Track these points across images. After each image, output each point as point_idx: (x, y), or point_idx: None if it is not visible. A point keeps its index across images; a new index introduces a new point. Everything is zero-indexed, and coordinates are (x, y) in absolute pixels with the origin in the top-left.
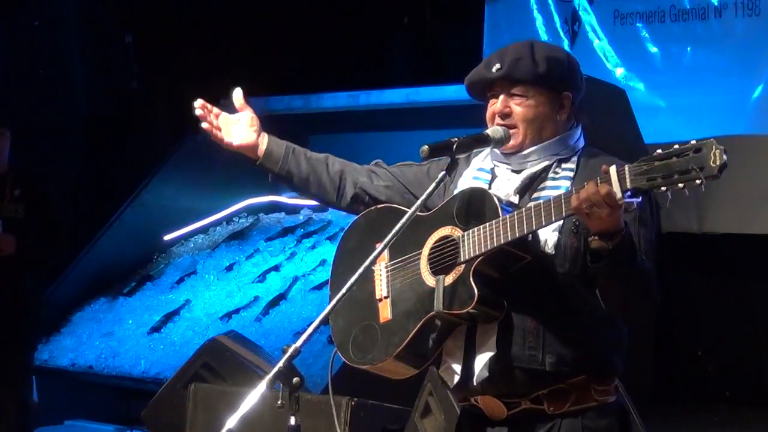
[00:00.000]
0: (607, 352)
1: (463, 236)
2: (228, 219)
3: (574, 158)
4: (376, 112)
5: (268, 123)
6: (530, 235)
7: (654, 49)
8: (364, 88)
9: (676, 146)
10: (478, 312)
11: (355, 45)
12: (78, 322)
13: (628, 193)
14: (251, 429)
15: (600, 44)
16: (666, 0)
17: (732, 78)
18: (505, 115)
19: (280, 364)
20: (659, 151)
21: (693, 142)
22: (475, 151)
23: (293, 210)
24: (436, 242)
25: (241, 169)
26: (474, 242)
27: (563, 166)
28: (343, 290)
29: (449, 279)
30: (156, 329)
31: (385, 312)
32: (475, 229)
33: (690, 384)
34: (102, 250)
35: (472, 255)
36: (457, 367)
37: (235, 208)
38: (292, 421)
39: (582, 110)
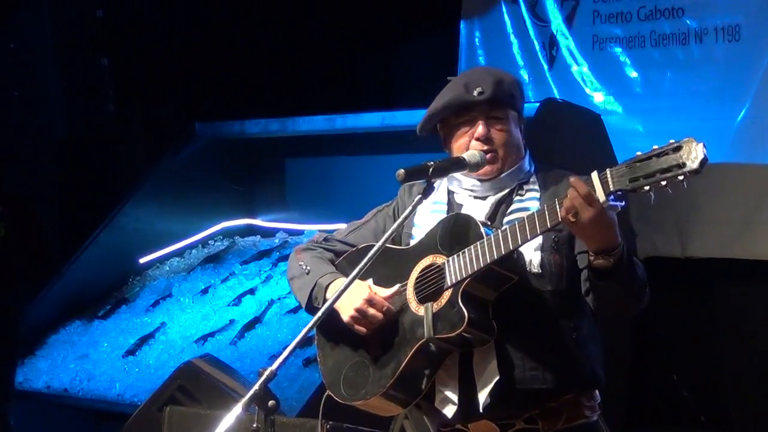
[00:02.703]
0: (594, 365)
1: (448, 261)
2: (203, 242)
3: (533, 178)
4: (352, 135)
5: (245, 146)
6: (516, 254)
7: (633, 74)
8: (341, 112)
9: (655, 147)
10: (468, 335)
11: (331, 68)
12: (53, 345)
13: (611, 196)
14: None
15: (578, 69)
16: (645, 25)
17: (712, 104)
18: (488, 139)
19: (256, 387)
20: (639, 153)
21: (671, 141)
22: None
23: (269, 233)
24: (420, 272)
25: (217, 193)
26: (460, 265)
27: (525, 187)
28: (314, 319)
29: (437, 305)
30: (131, 352)
31: (376, 347)
32: (460, 252)
33: (665, 408)
34: (77, 272)
35: (459, 278)
36: (454, 396)
37: (211, 231)
38: None
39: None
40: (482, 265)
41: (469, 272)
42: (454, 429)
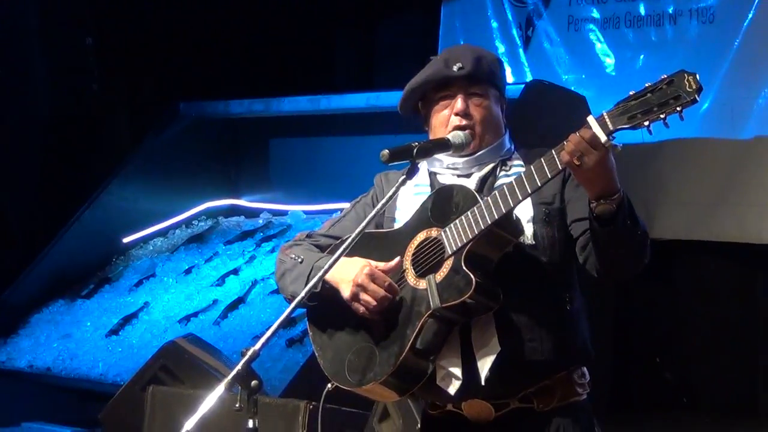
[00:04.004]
0: (585, 338)
1: (444, 230)
2: (187, 222)
3: (515, 155)
4: (336, 116)
5: (229, 126)
6: (514, 216)
7: (607, 56)
8: (325, 92)
9: (648, 84)
10: (475, 302)
11: (314, 49)
12: (36, 324)
13: (613, 136)
14: None
15: (552, 50)
16: (621, 6)
17: None
18: (467, 114)
19: (239, 366)
20: (632, 92)
21: (663, 76)
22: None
23: (252, 213)
24: (416, 248)
25: (201, 172)
26: (459, 232)
27: (509, 163)
28: (295, 302)
29: (440, 275)
30: (114, 332)
31: (378, 329)
32: (457, 220)
33: (648, 391)
34: (60, 251)
35: (460, 244)
36: (458, 371)
37: (195, 211)
38: (250, 424)
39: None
40: (483, 228)
41: (470, 237)
42: (444, 411)
